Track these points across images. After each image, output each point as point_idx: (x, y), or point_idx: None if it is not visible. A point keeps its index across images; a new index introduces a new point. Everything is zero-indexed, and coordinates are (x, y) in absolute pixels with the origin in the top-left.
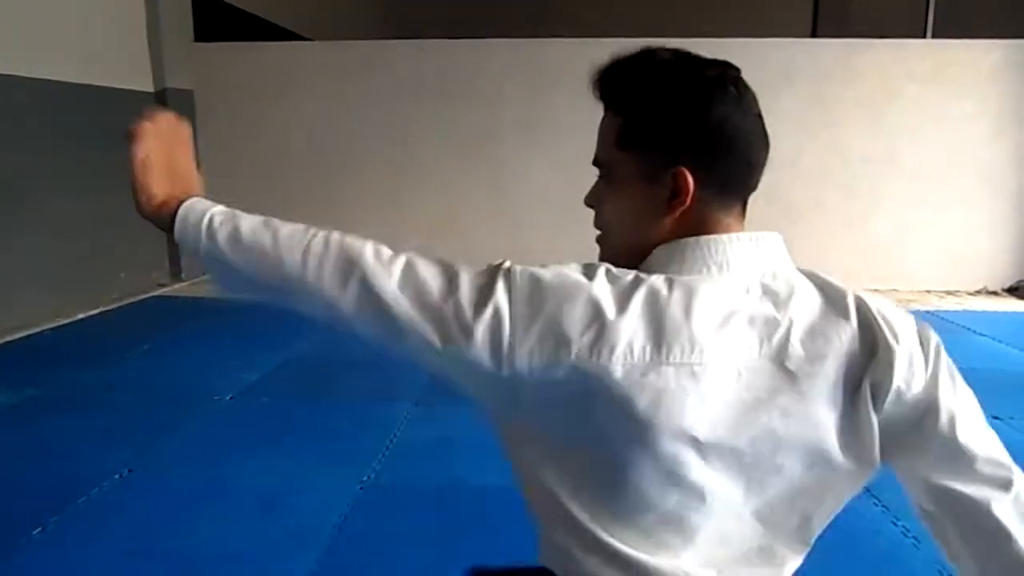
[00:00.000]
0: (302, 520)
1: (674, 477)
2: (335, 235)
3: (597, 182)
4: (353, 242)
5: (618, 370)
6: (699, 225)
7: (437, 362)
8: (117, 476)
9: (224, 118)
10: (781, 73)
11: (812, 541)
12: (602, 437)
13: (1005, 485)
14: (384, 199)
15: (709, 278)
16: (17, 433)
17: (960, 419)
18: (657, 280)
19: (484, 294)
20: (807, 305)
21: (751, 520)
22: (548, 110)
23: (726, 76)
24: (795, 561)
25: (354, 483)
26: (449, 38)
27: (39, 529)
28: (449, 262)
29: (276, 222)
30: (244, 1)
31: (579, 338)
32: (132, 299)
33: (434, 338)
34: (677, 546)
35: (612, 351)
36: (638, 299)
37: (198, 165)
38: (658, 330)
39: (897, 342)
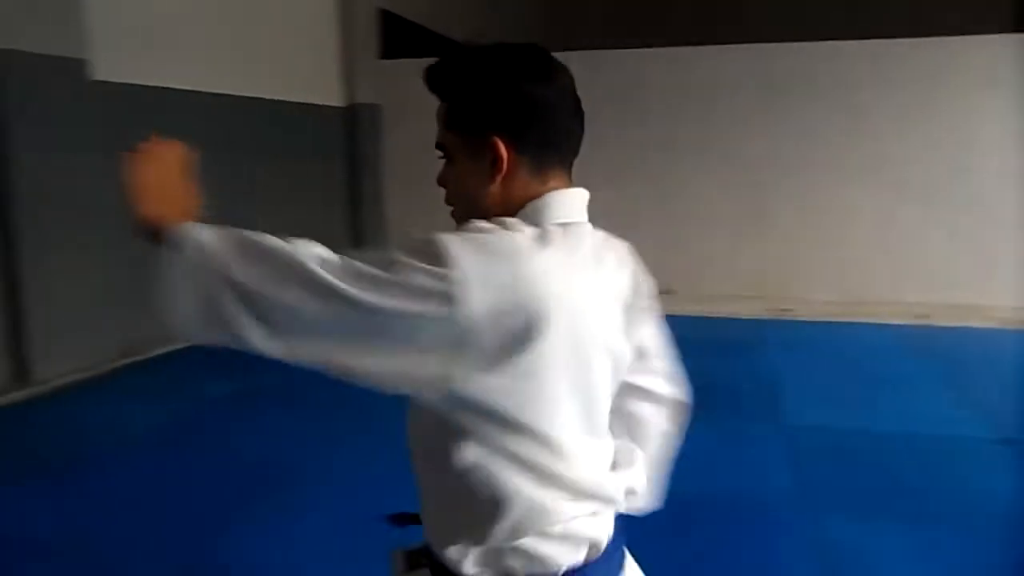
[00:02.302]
0: None
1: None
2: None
3: (444, 164)
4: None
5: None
6: (524, 189)
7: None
8: (324, 460)
9: (408, 131)
10: (984, 73)
11: None
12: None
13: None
14: None
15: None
16: (233, 421)
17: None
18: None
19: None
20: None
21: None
22: (712, 121)
23: (531, 57)
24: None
25: None
26: (612, 48)
27: (249, 519)
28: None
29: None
30: (424, 18)
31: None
32: None
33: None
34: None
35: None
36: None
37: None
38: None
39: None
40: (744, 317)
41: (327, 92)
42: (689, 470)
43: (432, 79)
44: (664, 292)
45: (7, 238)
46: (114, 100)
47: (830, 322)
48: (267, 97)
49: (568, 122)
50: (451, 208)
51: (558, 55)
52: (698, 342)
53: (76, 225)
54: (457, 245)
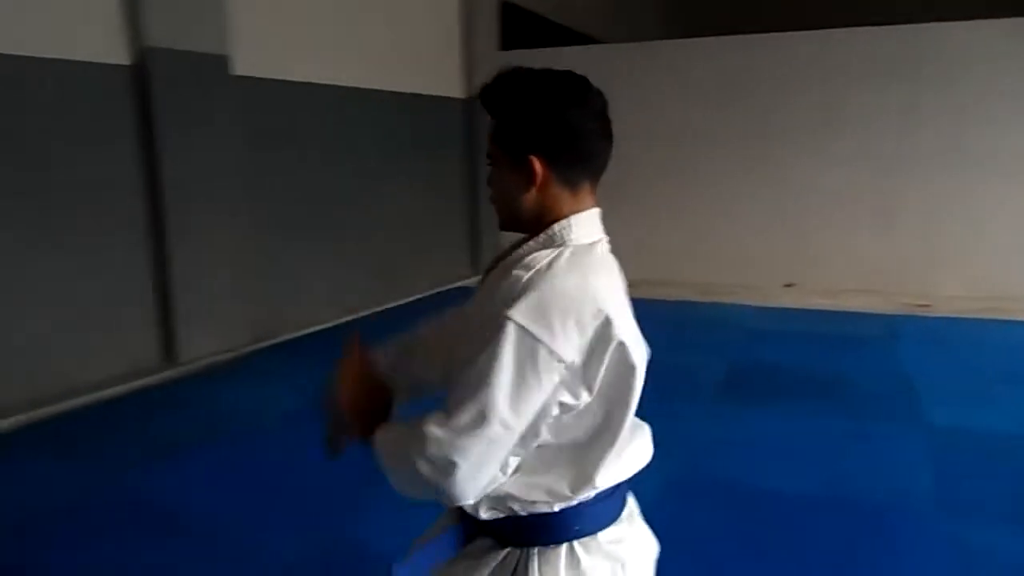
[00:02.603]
0: None
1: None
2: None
3: (491, 169)
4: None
5: None
6: (556, 199)
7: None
8: None
9: None
10: None
11: None
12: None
13: None
14: (666, 200)
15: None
16: None
17: None
18: None
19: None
20: None
21: None
22: (837, 108)
23: (571, 85)
24: None
25: (655, 474)
26: (738, 33)
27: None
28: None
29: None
30: (544, 8)
31: None
32: (438, 289)
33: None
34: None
35: None
36: None
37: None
38: None
39: None
40: (876, 312)
41: (450, 84)
42: (824, 469)
43: (484, 98)
44: (785, 285)
45: (158, 230)
46: (253, 94)
47: (969, 319)
48: (394, 90)
49: (597, 144)
50: (494, 206)
51: (678, 42)
52: (827, 337)
53: (216, 216)
54: (526, 318)
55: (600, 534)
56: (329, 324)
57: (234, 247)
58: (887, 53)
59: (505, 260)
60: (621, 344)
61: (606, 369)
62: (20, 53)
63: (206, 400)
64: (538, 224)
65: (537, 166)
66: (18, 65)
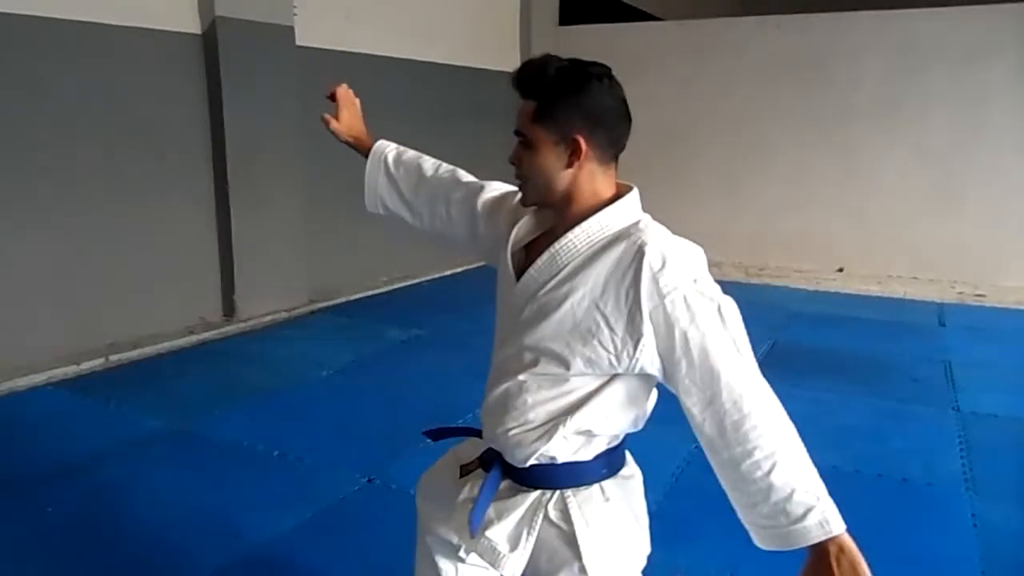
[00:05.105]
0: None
1: None
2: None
3: (517, 146)
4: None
5: None
6: (591, 176)
7: None
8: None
9: None
10: None
11: None
12: None
13: None
14: (723, 180)
15: None
16: (408, 363)
17: None
18: None
19: None
20: None
21: None
22: (912, 90)
23: (602, 73)
24: None
25: (689, 441)
26: (804, 12)
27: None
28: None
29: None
30: None
31: None
32: (484, 262)
33: None
34: None
35: None
36: None
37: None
38: None
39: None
40: (928, 300)
41: (507, 59)
42: (852, 445)
43: (523, 82)
44: (837, 270)
45: (223, 194)
46: (314, 64)
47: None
48: (451, 63)
49: (623, 125)
50: (520, 183)
51: (737, 20)
52: (874, 322)
53: (276, 182)
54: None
55: (620, 472)
56: (380, 291)
57: (292, 213)
58: (952, 35)
59: (563, 248)
60: None
61: None
62: (99, 21)
63: (266, 353)
64: (567, 200)
65: (583, 144)
66: (98, 32)
